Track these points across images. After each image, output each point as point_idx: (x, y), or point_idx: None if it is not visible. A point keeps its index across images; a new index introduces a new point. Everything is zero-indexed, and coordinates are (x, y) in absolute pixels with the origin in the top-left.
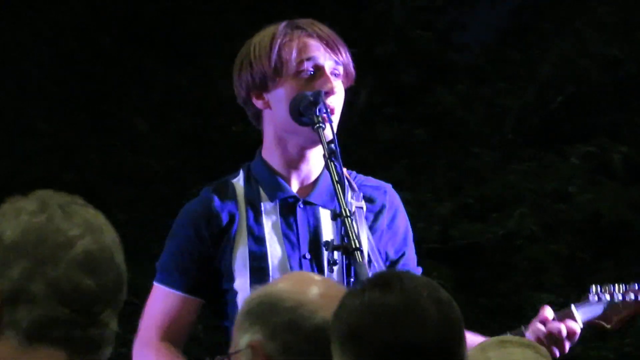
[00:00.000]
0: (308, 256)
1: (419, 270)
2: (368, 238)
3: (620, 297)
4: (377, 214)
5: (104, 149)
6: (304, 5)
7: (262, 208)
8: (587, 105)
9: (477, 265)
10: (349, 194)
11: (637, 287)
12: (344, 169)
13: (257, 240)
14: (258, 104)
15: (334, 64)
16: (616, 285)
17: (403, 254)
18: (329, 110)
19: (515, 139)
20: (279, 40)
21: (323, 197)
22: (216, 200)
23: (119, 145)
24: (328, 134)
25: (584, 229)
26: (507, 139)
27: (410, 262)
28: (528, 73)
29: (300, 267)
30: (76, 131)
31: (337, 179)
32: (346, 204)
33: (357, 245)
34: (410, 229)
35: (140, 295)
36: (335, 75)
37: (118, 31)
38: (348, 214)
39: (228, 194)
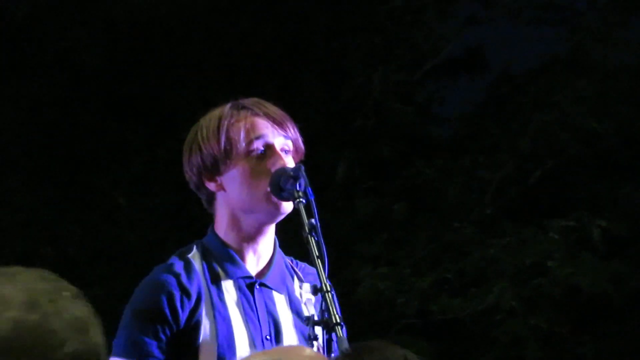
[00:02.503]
0: (269, 337)
1: None
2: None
3: None
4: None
5: (83, 223)
6: (283, 80)
7: (223, 286)
8: (566, 178)
9: (456, 340)
10: (296, 284)
11: None
12: (290, 258)
13: (221, 319)
14: (211, 186)
15: (283, 140)
16: None
17: None
18: (308, 185)
19: (494, 213)
20: (226, 122)
21: (276, 280)
22: (184, 274)
23: (98, 219)
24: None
25: (563, 303)
26: (487, 212)
27: None
28: (507, 146)
29: (263, 347)
30: (55, 205)
31: (317, 254)
32: (300, 294)
33: (338, 320)
34: None
35: None
36: (286, 151)
37: (98, 105)
38: (328, 289)
39: (190, 268)
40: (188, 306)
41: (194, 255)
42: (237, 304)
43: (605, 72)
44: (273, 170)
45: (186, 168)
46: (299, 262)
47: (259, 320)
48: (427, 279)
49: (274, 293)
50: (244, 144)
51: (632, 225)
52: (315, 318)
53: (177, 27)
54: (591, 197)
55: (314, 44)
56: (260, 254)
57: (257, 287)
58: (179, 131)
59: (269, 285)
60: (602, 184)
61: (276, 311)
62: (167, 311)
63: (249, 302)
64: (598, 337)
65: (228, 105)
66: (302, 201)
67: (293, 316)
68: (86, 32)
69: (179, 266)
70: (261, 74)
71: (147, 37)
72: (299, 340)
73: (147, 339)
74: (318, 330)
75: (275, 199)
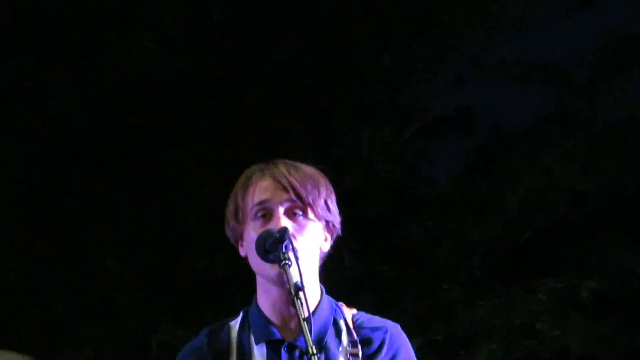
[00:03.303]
0: None
1: None
2: None
3: None
4: (372, 356)
5: (72, 284)
6: (271, 138)
7: (252, 352)
8: (555, 239)
9: None
10: (345, 339)
11: None
12: (353, 310)
13: None
14: (241, 252)
15: (289, 203)
16: None
17: None
18: (295, 247)
19: (483, 274)
20: (239, 189)
21: (311, 339)
22: (208, 343)
23: (86, 280)
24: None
25: None
26: (475, 273)
27: None
28: (496, 207)
29: None
30: (43, 266)
31: (303, 316)
32: (346, 353)
33: None
34: None
35: None
36: (295, 214)
37: (86, 166)
38: (314, 352)
39: (222, 336)
40: None
41: (236, 322)
42: None
43: (593, 131)
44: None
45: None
46: (362, 315)
47: None
48: (417, 341)
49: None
50: (249, 209)
51: (620, 285)
52: None
53: (166, 86)
54: (580, 258)
55: (303, 103)
56: (292, 316)
57: (285, 349)
58: (166, 192)
59: (299, 345)
60: (590, 244)
61: None
62: None
63: None
64: None
65: (252, 168)
66: (287, 263)
67: None
68: (75, 92)
69: (202, 336)
70: (250, 132)
71: (135, 97)
72: None
73: None
74: None
75: (268, 265)
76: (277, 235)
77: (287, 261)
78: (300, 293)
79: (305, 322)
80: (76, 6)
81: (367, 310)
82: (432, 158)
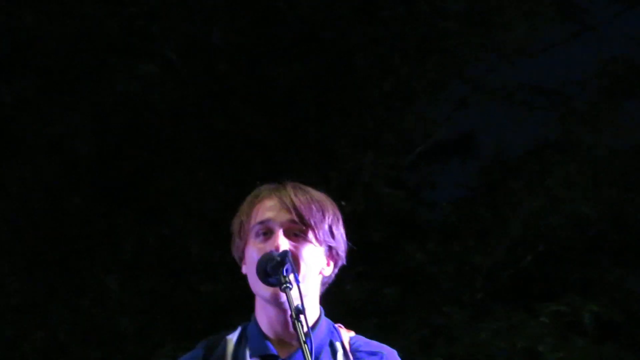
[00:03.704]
0: None
1: None
2: None
3: None
4: None
5: (74, 308)
6: (272, 164)
7: None
8: (557, 263)
9: None
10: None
11: None
12: (351, 333)
13: None
14: (243, 269)
15: (289, 224)
16: None
17: None
18: (296, 270)
19: (485, 297)
20: (245, 208)
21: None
22: (203, 356)
23: (88, 303)
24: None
25: None
26: (477, 297)
27: None
28: (498, 231)
29: None
30: (46, 289)
31: (303, 340)
32: None
33: None
34: None
35: None
36: (295, 235)
37: (88, 190)
38: None
39: (218, 349)
40: None
41: (234, 336)
42: None
43: (596, 156)
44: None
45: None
46: (359, 338)
47: None
48: None
49: None
50: (250, 228)
51: (623, 309)
52: None
53: (166, 111)
54: (582, 282)
55: (304, 128)
56: (289, 336)
57: None
58: (168, 215)
59: None
60: (593, 268)
61: None
62: None
63: None
64: None
65: (260, 188)
66: (288, 286)
67: None
68: (75, 118)
69: (199, 349)
70: (251, 157)
71: (137, 123)
72: None
73: None
74: None
75: (263, 285)
76: (279, 258)
77: (287, 284)
78: (301, 316)
79: (305, 345)
80: (78, 32)
81: (369, 333)
82: (434, 183)
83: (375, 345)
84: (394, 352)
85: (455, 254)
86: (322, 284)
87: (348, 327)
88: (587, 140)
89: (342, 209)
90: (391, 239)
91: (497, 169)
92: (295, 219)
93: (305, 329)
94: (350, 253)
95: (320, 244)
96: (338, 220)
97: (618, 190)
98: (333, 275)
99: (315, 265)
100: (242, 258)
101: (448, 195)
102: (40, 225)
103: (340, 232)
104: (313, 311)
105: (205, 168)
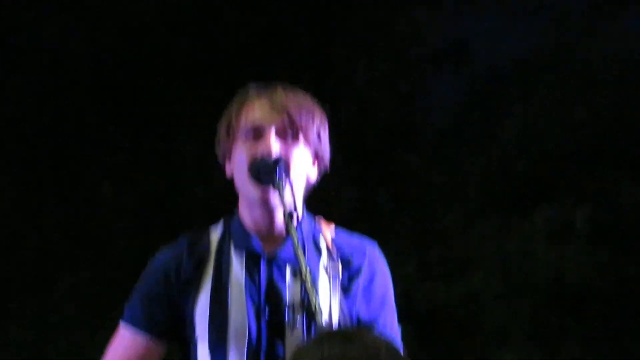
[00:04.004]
0: (267, 313)
1: (397, 335)
2: (340, 302)
3: None
4: (352, 277)
5: (68, 211)
6: (266, 70)
7: (230, 260)
8: (551, 167)
9: (440, 326)
10: (325, 256)
11: None
12: (331, 226)
13: (220, 291)
14: (227, 169)
15: (280, 125)
16: None
17: (377, 319)
18: (289, 175)
19: (479, 202)
20: (233, 107)
21: (290, 254)
22: (188, 248)
23: (82, 206)
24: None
25: (547, 290)
26: (471, 202)
27: (386, 328)
28: (492, 136)
29: (259, 323)
30: (40, 193)
31: (297, 242)
32: (307, 264)
33: (318, 306)
34: (389, 292)
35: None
36: (286, 137)
37: (81, 94)
38: (308, 277)
39: (202, 242)
40: (185, 278)
41: (217, 229)
42: (239, 278)
43: (591, 62)
44: (259, 155)
45: (218, 153)
46: (340, 232)
47: (259, 297)
48: (411, 266)
49: (288, 269)
50: (240, 129)
51: (616, 213)
52: (295, 301)
53: (163, 19)
54: (576, 186)
55: (297, 35)
56: (274, 233)
57: (264, 261)
58: (164, 121)
59: (281, 260)
60: (586, 172)
61: (284, 287)
62: (164, 284)
63: (252, 276)
64: (583, 325)
65: (247, 88)
66: (281, 187)
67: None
68: (69, 22)
69: (182, 241)
70: (244, 62)
71: (132, 28)
72: (302, 316)
73: (144, 310)
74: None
75: (257, 185)
76: (272, 163)
77: (280, 186)
78: (294, 218)
79: (299, 249)
80: None
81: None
82: (428, 89)
83: (356, 239)
84: (375, 246)
85: (449, 159)
86: (306, 188)
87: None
88: (582, 47)
89: (336, 115)
90: (385, 145)
91: (491, 75)
92: (287, 120)
93: (299, 232)
94: (344, 159)
95: (309, 147)
96: (325, 124)
97: (612, 97)
98: (316, 182)
99: (304, 169)
100: (227, 158)
101: (442, 101)
102: (34, 131)
103: (326, 137)
104: (297, 211)
105: (200, 75)
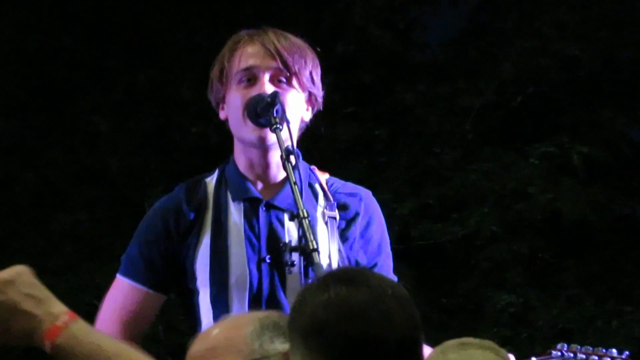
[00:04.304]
0: (268, 259)
1: (394, 279)
2: (338, 247)
3: (584, 357)
4: (350, 222)
5: (65, 149)
6: (263, 7)
7: (228, 208)
8: (547, 104)
9: (437, 266)
10: (322, 202)
11: (603, 351)
12: (325, 175)
13: (220, 239)
14: (221, 115)
15: (274, 70)
16: (582, 347)
17: (375, 264)
18: (286, 111)
19: (475, 138)
20: (226, 52)
21: (288, 200)
22: (186, 198)
23: (79, 144)
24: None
25: (544, 229)
26: (468, 138)
27: (383, 272)
28: (488, 72)
29: (259, 269)
30: (37, 131)
31: (294, 180)
32: (305, 208)
33: (315, 247)
34: (386, 239)
35: (101, 297)
36: (279, 81)
37: (79, 31)
38: (305, 216)
39: (199, 192)
40: (184, 228)
41: (212, 178)
42: (237, 226)
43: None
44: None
45: (210, 98)
46: (336, 181)
47: (258, 242)
48: (408, 205)
49: (285, 214)
50: (234, 73)
51: (612, 150)
52: (293, 244)
53: None
54: (572, 123)
55: None
56: (270, 178)
57: (263, 207)
58: (160, 56)
59: (278, 204)
60: (583, 109)
61: (283, 232)
62: (163, 235)
63: (251, 223)
64: (579, 262)
65: (239, 34)
66: (278, 127)
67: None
68: None
69: (179, 191)
70: (243, 3)
71: None
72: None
73: (142, 261)
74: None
75: (253, 126)
76: (269, 99)
77: (278, 125)
78: (292, 157)
79: (295, 186)
80: None
81: (358, 174)
82: (424, 24)
83: (351, 186)
84: (370, 193)
85: (446, 95)
86: (300, 128)
87: (337, 168)
88: None
89: (333, 51)
90: (381, 80)
91: (487, 10)
92: (280, 65)
93: (297, 172)
94: (340, 95)
95: (303, 90)
96: (317, 66)
97: (608, 31)
98: (309, 121)
99: (298, 112)
100: (219, 103)
101: (438, 37)
102: (30, 67)
103: (319, 78)
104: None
105: (196, 8)
